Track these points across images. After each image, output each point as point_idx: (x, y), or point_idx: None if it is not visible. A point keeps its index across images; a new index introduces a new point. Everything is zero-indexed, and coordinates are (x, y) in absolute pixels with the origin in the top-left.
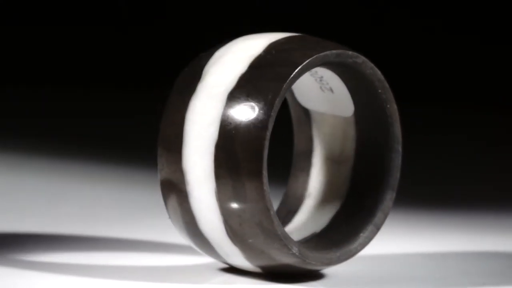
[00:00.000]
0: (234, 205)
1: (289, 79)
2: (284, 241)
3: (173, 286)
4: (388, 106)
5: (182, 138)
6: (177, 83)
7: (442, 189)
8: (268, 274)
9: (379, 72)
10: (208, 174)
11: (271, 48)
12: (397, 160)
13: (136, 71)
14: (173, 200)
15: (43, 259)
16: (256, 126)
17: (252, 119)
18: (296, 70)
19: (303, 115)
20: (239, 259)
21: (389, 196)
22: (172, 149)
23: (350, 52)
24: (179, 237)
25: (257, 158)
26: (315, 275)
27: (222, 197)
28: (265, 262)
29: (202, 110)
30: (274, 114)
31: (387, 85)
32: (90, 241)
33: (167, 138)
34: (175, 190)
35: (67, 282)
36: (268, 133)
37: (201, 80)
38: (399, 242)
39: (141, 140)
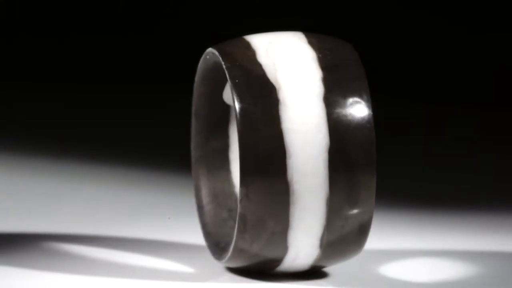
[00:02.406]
0: (345, 208)
1: (365, 76)
2: (367, 237)
3: (177, 285)
4: None
5: (285, 150)
6: (242, 97)
7: (443, 189)
8: (313, 272)
9: None
10: (322, 181)
11: (320, 48)
12: None
13: (136, 72)
14: (260, 212)
15: (42, 259)
16: (365, 126)
17: (360, 120)
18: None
19: (222, 113)
20: (304, 262)
21: None
22: (272, 163)
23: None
24: (180, 236)
25: (371, 158)
26: (320, 274)
27: (333, 203)
28: (332, 261)
29: (301, 118)
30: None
31: None
32: (91, 241)
33: (262, 152)
34: (269, 202)
35: (67, 282)
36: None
37: (278, 89)
38: (399, 241)
39: (141, 140)
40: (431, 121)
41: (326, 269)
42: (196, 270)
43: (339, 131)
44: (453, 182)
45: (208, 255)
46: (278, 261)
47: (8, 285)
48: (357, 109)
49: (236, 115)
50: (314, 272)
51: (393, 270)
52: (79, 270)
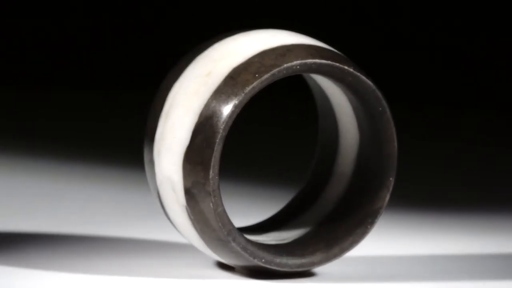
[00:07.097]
0: None
1: None
2: None
3: (177, 284)
4: None
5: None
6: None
7: (440, 191)
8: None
9: None
10: None
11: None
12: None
13: (135, 72)
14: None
15: (42, 259)
16: None
17: None
18: None
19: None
20: None
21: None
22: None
23: None
24: (179, 236)
25: None
26: (308, 274)
27: None
28: None
29: None
30: None
31: None
32: (90, 240)
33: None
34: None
35: (67, 282)
36: None
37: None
38: (397, 242)
39: (141, 141)
40: (431, 123)
41: (323, 271)
42: (195, 270)
43: None
44: (452, 183)
45: (204, 255)
46: None
47: (9, 285)
48: None
49: (389, 118)
50: (312, 273)
51: (388, 270)
52: (78, 270)
